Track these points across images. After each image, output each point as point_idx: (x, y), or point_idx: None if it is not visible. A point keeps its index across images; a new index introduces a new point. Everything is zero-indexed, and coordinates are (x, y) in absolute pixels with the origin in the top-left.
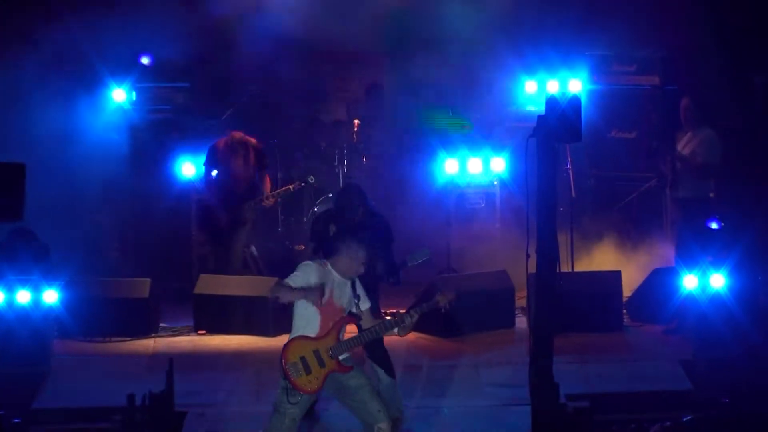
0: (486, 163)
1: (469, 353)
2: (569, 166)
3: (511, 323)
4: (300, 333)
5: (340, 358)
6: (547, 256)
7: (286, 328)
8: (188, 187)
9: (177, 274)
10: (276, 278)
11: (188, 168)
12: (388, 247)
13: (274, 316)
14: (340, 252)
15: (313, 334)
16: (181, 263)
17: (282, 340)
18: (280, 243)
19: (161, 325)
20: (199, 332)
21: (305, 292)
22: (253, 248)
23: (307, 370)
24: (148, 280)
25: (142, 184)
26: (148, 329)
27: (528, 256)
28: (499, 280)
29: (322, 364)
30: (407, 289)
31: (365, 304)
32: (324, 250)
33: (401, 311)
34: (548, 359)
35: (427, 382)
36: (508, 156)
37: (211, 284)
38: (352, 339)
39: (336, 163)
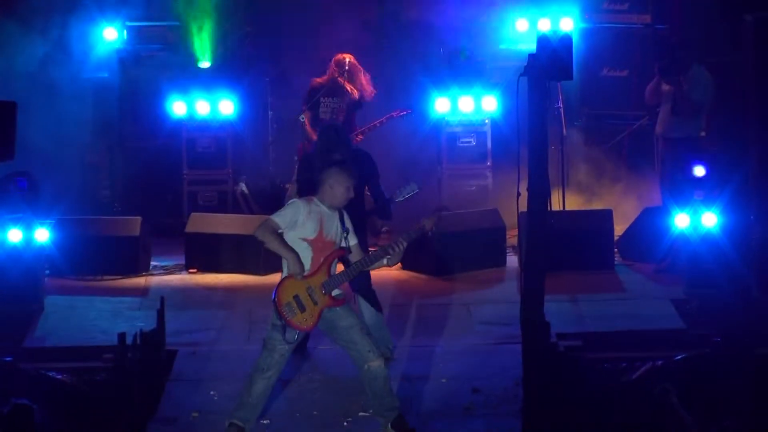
0: (477, 102)
1: (461, 292)
2: (560, 104)
3: (503, 262)
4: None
5: (333, 293)
6: (538, 194)
7: (277, 266)
8: (179, 126)
9: (168, 213)
10: (266, 217)
11: (179, 106)
12: (375, 183)
13: (264, 255)
14: (325, 182)
15: (304, 272)
16: (172, 202)
17: (273, 278)
18: (270, 180)
19: (152, 263)
20: (190, 270)
21: (290, 255)
22: (244, 185)
23: (302, 308)
24: (139, 218)
25: (132, 122)
26: (140, 268)
27: (519, 194)
28: (490, 219)
29: (315, 301)
30: (397, 227)
31: (353, 239)
32: (308, 188)
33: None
34: (539, 298)
35: (418, 321)
36: (499, 95)
37: (202, 223)
38: (343, 273)
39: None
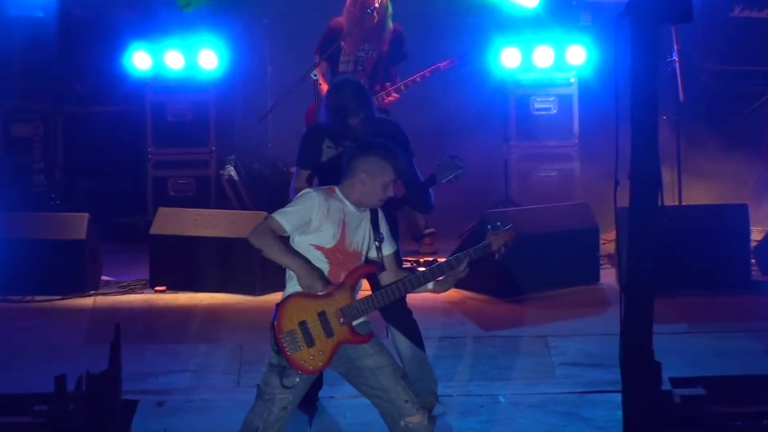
0: (559, 54)
1: (536, 320)
2: (676, 57)
3: (595, 278)
4: (299, 288)
5: (355, 323)
6: (646, 183)
7: (278, 283)
8: (142, 86)
9: (126, 207)
10: (263, 214)
11: (142, 58)
12: (408, 162)
13: (261, 267)
14: (355, 172)
15: (323, 287)
16: (132, 191)
17: (272, 300)
18: (269, 163)
19: (104, 278)
20: (157, 289)
21: (299, 264)
22: (232, 169)
23: (309, 342)
24: (86, 215)
25: (77, 80)
26: (86, 284)
27: (618, 182)
28: (577, 217)
29: (329, 332)
30: (447, 229)
31: (389, 248)
32: (321, 174)
33: (439, 260)
34: (646, 328)
35: (476, 360)
36: (590, 43)
37: (174, 221)
38: (371, 297)
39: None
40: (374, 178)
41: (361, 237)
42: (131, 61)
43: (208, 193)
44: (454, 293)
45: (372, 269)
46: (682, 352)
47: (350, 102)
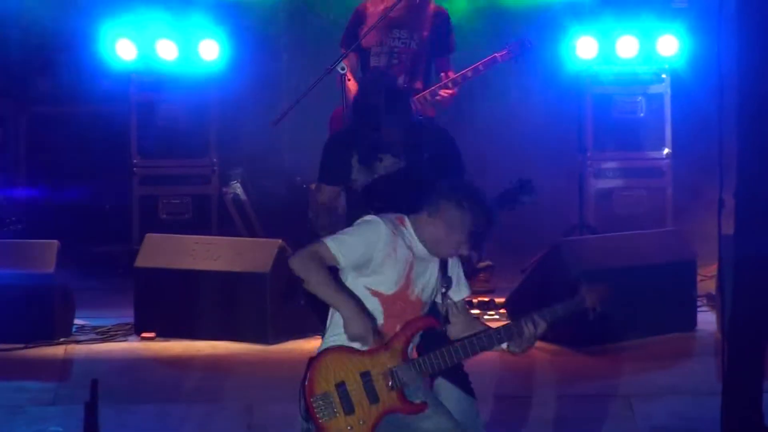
0: (647, 43)
1: (618, 375)
2: None
3: (691, 323)
4: (340, 340)
5: (407, 389)
6: (757, 204)
7: (295, 329)
8: (126, 80)
9: (106, 233)
10: (276, 242)
11: (126, 47)
12: (459, 176)
13: (274, 308)
14: (436, 211)
15: (376, 337)
16: (113, 213)
17: (287, 350)
18: (284, 179)
19: (77, 321)
20: (144, 335)
21: (350, 307)
22: (238, 186)
23: (348, 408)
24: (55, 242)
25: (47, 74)
26: (55, 329)
27: (722, 203)
28: (670, 248)
29: (374, 398)
30: (506, 261)
31: (458, 294)
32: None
33: (496, 300)
34: (755, 386)
35: (542, 427)
36: (685, 30)
37: (165, 251)
38: (430, 358)
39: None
40: (450, 229)
41: (426, 282)
42: (113, 51)
43: (208, 216)
44: None
45: (433, 323)
46: None
47: (379, 105)
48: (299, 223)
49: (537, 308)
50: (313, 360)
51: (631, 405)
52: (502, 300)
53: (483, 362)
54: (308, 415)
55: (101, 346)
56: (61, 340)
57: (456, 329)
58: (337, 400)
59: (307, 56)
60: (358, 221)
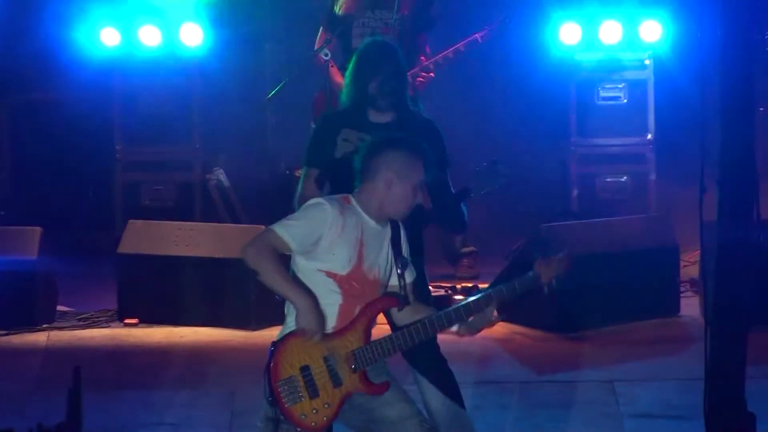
0: (630, 29)
1: (600, 360)
2: None
3: (674, 309)
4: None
5: (368, 369)
6: (739, 191)
7: (279, 315)
8: (110, 67)
9: (89, 220)
10: (260, 228)
11: (109, 34)
12: (441, 171)
13: (257, 294)
14: (376, 172)
15: (324, 329)
16: (96, 200)
17: (271, 336)
18: (268, 165)
19: (60, 308)
20: (127, 322)
21: (301, 298)
22: (221, 173)
23: (313, 392)
24: (38, 229)
25: (28, 60)
26: (38, 316)
27: (704, 190)
28: (653, 234)
29: (337, 380)
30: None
31: (411, 275)
32: (333, 177)
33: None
34: (738, 372)
35: (526, 412)
36: (668, 16)
37: (148, 237)
38: (388, 339)
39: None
40: (403, 178)
41: (383, 260)
42: (98, 36)
43: (191, 203)
44: (499, 327)
45: (392, 302)
46: None
47: (369, 62)
48: (282, 209)
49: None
50: (276, 344)
51: (614, 390)
52: (485, 286)
53: (466, 348)
54: (274, 399)
55: (84, 333)
56: (44, 326)
57: (411, 312)
58: (302, 383)
59: (290, 42)
60: (304, 205)
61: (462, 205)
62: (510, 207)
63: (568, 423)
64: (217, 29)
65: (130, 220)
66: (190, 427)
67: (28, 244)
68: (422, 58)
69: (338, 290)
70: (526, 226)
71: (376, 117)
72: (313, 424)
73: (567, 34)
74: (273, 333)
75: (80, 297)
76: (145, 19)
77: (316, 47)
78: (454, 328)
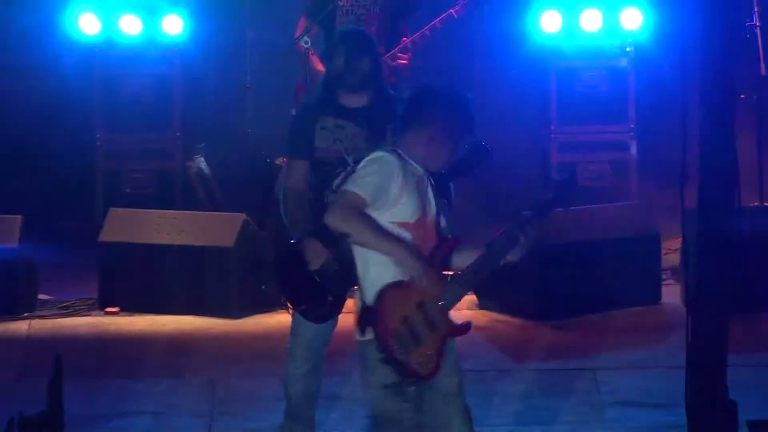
0: (610, 17)
1: (582, 349)
2: (756, 21)
3: (655, 297)
4: (387, 278)
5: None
6: (719, 178)
7: (260, 302)
8: (89, 55)
9: (70, 208)
10: (241, 216)
11: (89, 21)
12: None
13: (239, 283)
14: (424, 128)
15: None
16: (76, 188)
17: (252, 323)
18: (249, 153)
19: (41, 296)
20: (108, 310)
21: (400, 245)
22: (202, 160)
23: (418, 340)
24: (19, 217)
25: (6, 47)
26: (19, 304)
27: (685, 178)
28: (634, 222)
29: (433, 325)
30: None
31: (445, 219)
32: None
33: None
34: (719, 360)
35: (506, 400)
36: (649, 4)
37: (129, 225)
38: (463, 276)
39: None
40: (447, 137)
41: (432, 206)
42: (77, 24)
43: (171, 191)
44: (479, 315)
45: (457, 242)
46: (765, 389)
47: (337, 45)
48: (263, 198)
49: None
50: (379, 299)
51: (596, 378)
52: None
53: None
54: (388, 356)
55: (65, 321)
56: (25, 314)
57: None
58: (408, 334)
59: (271, 30)
60: (367, 159)
61: (449, 184)
62: (488, 195)
63: (549, 411)
64: (198, 17)
65: (111, 209)
66: (172, 416)
67: (8, 233)
68: (403, 39)
69: (411, 238)
70: (506, 214)
71: (350, 101)
72: (425, 371)
73: (547, 22)
74: (255, 321)
75: (61, 285)
76: (126, 7)
77: (297, 35)
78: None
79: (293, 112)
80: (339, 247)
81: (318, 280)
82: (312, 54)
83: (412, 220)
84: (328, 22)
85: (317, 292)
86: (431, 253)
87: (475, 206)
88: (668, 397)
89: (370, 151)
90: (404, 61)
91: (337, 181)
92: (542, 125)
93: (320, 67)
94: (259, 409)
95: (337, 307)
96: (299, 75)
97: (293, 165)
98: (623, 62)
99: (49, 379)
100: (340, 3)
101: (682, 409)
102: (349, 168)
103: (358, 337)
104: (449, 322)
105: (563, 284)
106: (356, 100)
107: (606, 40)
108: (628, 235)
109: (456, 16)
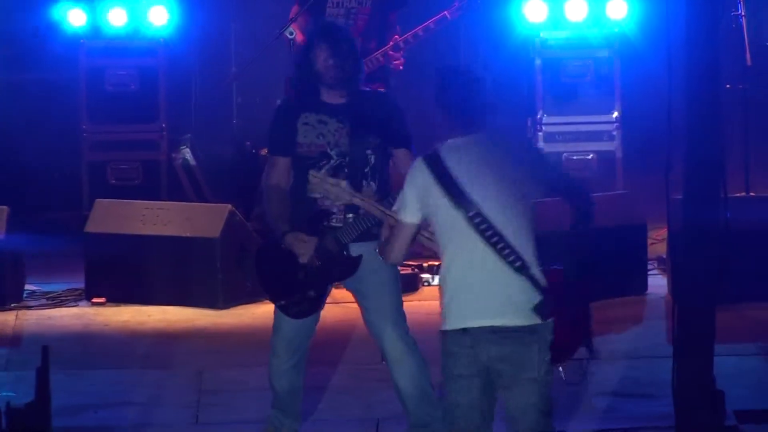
0: (596, 6)
1: None
2: (741, 11)
3: (641, 287)
4: None
5: None
6: (705, 168)
7: (249, 294)
8: (75, 47)
9: (56, 199)
10: (226, 207)
11: (76, 14)
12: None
13: (224, 273)
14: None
15: None
16: (62, 179)
17: (238, 314)
18: (234, 144)
19: (28, 287)
20: (95, 301)
21: None
22: (187, 151)
23: None
24: (5, 208)
25: None
26: (6, 295)
27: (670, 168)
28: (619, 211)
29: None
30: None
31: None
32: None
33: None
34: (706, 350)
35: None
36: None
37: (115, 216)
38: None
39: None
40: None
41: None
42: (65, 16)
43: (157, 182)
44: None
45: None
46: (751, 378)
47: (314, 41)
48: (249, 187)
49: None
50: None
51: (582, 368)
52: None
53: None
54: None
55: (52, 312)
56: (12, 305)
57: None
58: None
59: (256, 22)
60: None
61: None
62: None
63: None
64: (184, 8)
65: (97, 200)
66: (158, 406)
67: None
68: (396, 36)
69: None
70: None
71: (330, 97)
72: None
73: (532, 12)
74: (241, 311)
75: (48, 276)
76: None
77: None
78: None
79: (278, 101)
80: (321, 242)
81: (301, 277)
82: (297, 43)
83: None
84: (318, 13)
85: (298, 288)
86: None
87: None
88: (655, 387)
89: (352, 146)
90: (398, 62)
91: (320, 173)
92: (527, 115)
93: None
94: (245, 399)
95: (319, 303)
96: (285, 66)
97: (274, 162)
98: (608, 52)
99: (36, 370)
100: None
101: (670, 399)
102: (332, 161)
103: (538, 320)
104: None
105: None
106: (337, 97)
107: (591, 29)
108: (615, 225)
109: (449, 18)
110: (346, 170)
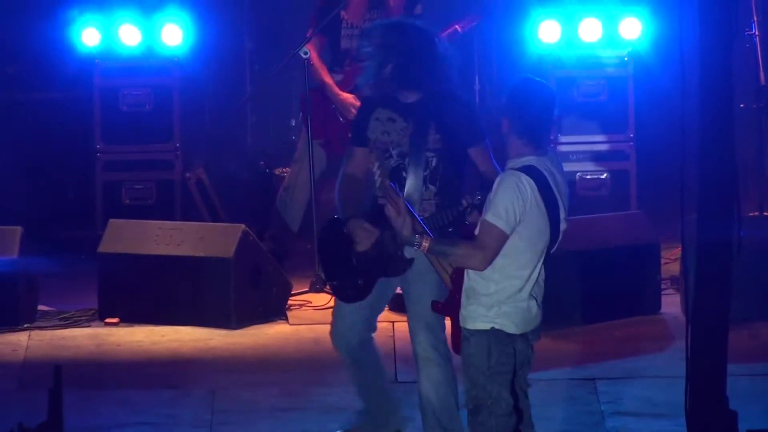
0: (610, 27)
1: (581, 358)
2: (755, 30)
3: (655, 306)
4: None
5: None
6: (719, 187)
7: (262, 314)
8: (89, 67)
9: (70, 219)
10: (240, 227)
11: (90, 34)
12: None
13: (237, 293)
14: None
15: None
16: (76, 199)
17: (251, 334)
18: (248, 164)
19: (41, 307)
20: (108, 321)
21: None
22: (202, 171)
23: None
24: (19, 228)
25: (6, 59)
26: (19, 315)
27: (684, 186)
28: (633, 231)
29: None
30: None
31: None
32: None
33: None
34: (719, 370)
35: None
36: (648, 13)
37: (129, 236)
38: None
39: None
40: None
41: None
42: (79, 36)
43: (171, 202)
44: None
45: None
46: (765, 398)
47: (381, 45)
48: (263, 207)
49: None
50: None
51: (595, 388)
52: None
53: None
54: None
55: (65, 332)
56: (25, 326)
57: None
58: None
59: (270, 41)
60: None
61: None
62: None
63: (549, 421)
64: (198, 27)
65: (111, 220)
66: (171, 427)
67: (8, 244)
68: None
69: None
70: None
71: (403, 95)
72: None
73: (546, 32)
74: (254, 332)
75: (61, 296)
76: (125, 18)
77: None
78: None
79: (293, 122)
80: (381, 236)
81: (354, 262)
82: (313, 65)
83: None
84: (333, 33)
85: (349, 274)
86: None
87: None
88: (668, 407)
89: (411, 146)
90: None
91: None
92: None
93: (326, 77)
94: (258, 419)
95: (366, 292)
96: (300, 86)
97: (351, 151)
98: (622, 71)
99: (49, 391)
100: (345, 17)
101: (682, 419)
102: (392, 161)
103: None
104: None
105: (563, 294)
106: (409, 96)
107: (605, 49)
108: (628, 245)
109: (461, 31)
110: (404, 173)
